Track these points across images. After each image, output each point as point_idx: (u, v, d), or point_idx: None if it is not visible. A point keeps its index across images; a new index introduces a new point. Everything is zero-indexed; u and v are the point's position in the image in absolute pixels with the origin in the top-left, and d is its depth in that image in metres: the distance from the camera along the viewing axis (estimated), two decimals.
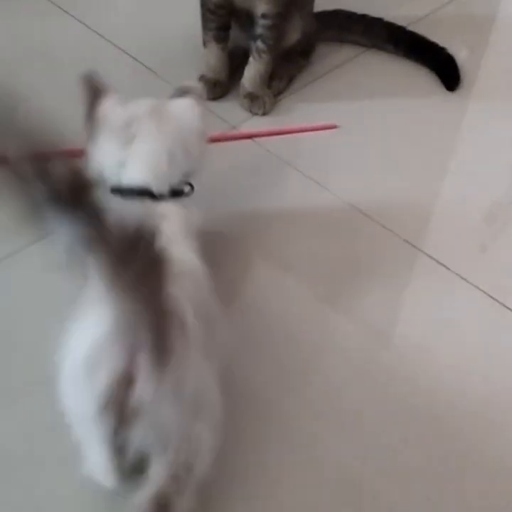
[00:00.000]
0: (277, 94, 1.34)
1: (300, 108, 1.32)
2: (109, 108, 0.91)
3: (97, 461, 0.78)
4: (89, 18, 1.44)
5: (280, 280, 1.06)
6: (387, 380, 0.97)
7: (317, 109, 1.32)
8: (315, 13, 1.37)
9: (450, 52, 1.40)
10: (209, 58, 1.31)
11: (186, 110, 0.95)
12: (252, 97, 1.31)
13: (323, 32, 1.40)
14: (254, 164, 1.22)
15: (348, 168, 1.23)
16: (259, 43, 1.27)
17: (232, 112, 1.30)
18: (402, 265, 1.11)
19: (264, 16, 1.24)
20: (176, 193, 0.90)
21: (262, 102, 1.30)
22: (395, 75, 1.40)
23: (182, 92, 0.97)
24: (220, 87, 1.32)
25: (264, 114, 1.31)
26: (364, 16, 1.43)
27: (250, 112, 1.31)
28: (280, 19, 1.25)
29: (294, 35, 1.32)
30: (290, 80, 1.36)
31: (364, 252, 1.12)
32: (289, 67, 1.36)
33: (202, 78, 1.31)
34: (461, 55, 1.40)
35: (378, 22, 1.42)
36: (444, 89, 1.38)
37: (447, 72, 1.39)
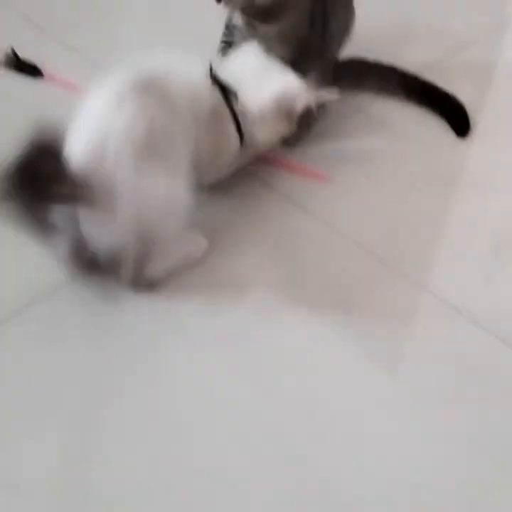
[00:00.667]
0: (296, 142, 1.33)
1: (307, 151, 1.34)
2: None
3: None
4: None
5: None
6: None
7: (325, 152, 1.34)
8: None
9: (459, 100, 1.42)
10: None
11: None
12: None
13: (340, 82, 1.39)
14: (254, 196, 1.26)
15: (350, 203, 1.27)
16: None
17: None
18: (403, 301, 1.14)
19: (281, 58, 1.24)
20: None
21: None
22: (406, 121, 1.43)
23: None
24: None
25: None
26: (377, 65, 1.45)
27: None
28: (298, 66, 1.24)
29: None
30: (308, 129, 1.35)
31: (362, 286, 1.15)
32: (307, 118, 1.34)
33: None
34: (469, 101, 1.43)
35: (392, 70, 1.45)
36: (454, 135, 1.41)
37: (457, 119, 1.42)
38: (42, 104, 1.35)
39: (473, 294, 1.14)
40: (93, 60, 1.46)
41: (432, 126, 1.42)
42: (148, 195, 1.01)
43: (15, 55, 1.43)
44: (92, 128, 0.99)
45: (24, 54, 1.44)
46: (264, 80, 1.15)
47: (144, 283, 1.08)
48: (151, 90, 1.02)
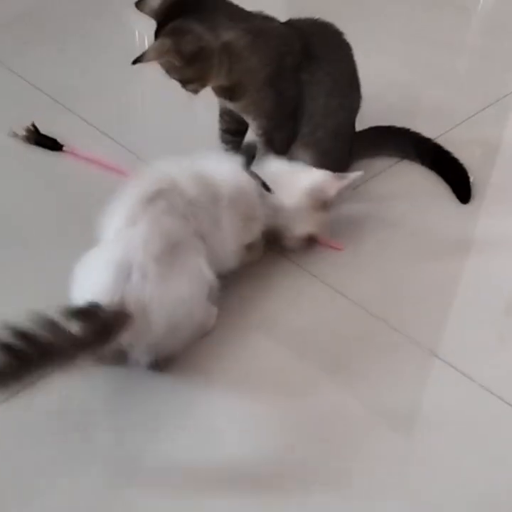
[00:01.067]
0: None
1: None
2: None
3: None
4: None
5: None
6: None
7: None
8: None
9: (463, 167, 1.47)
10: None
11: None
12: None
13: (358, 153, 1.47)
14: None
15: (359, 267, 1.30)
16: (263, 156, 1.34)
17: None
18: (415, 368, 1.15)
19: (254, 130, 1.34)
20: None
21: None
22: (416, 186, 1.48)
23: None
24: None
25: None
26: (395, 130, 1.50)
27: None
28: (272, 139, 1.32)
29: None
30: None
31: (372, 351, 1.16)
32: None
33: None
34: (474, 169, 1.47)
35: (408, 135, 1.50)
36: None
37: (459, 185, 1.46)
38: (62, 175, 1.43)
39: (486, 358, 1.15)
40: (110, 133, 1.52)
41: (443, 191, 1.46)
42: (176, 297, 1.04)
43: (35, 129, 1.49)
44: (109, 260, 1.04)
45: (44, 128, 1.50)
46: (294, 179, 1.25)
47: (160, 363, 1.09)
48: (160, 199, 1.07)
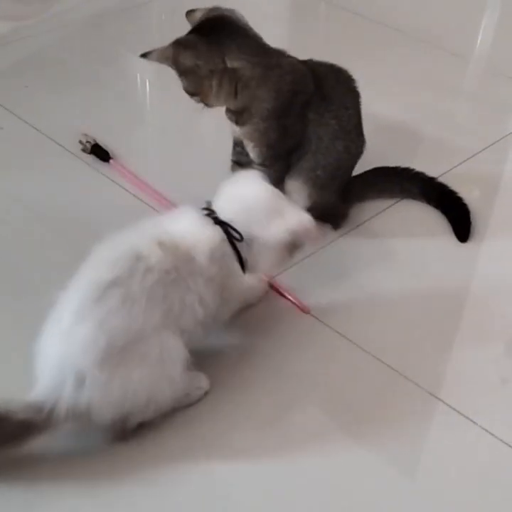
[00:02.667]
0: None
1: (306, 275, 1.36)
2: None
3: None
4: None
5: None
6: None
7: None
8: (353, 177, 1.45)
9: (466, 205, 1.48)
10: None
11: None
12: None
13: (365, 193, 1.50)
14: None
15: (357, 306, 1.29)
16: None
17: None
18: (416, 411, 1.13)
19: (253, 157, 1.36)
20: None
21: None
22: (421, 223, 1.49)
23: None
24: None
25: None
26: (399, 172, 1.52)
27: None
28: (268, 167, 1.34)
29: (300, 202, 1.36)
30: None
31: (376, 396, 1.15)
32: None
33: None
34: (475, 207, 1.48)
35: (412, 176, 1.51)
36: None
37: (460, 224, 1.47)
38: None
39: (488, 401, 1.15)
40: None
41: (442, 230, 1.46)
42: (127, 390, 1.00)
43: (92, 140, 1.58)
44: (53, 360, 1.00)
45: (103, 140, 1.59)
46: (278, 213, 1.15)
47: (128, 432, 1.05)
48: (114, 289, 1.00)
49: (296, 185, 1.37)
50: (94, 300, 0.99)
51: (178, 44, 1.25)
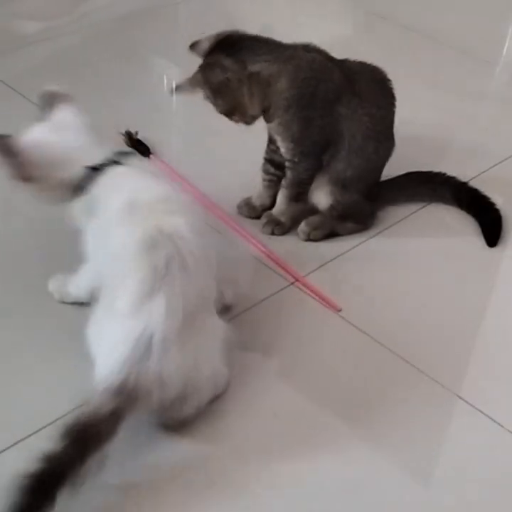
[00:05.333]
0: (307, 239, 1.41)
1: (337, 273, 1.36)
2: None
3: None
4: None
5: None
6: None
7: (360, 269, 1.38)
8: (384, 181, 1.46)
9: (499, 211, 1.48)
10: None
11: None
12: (270, 219, 1.43)
13: (397, 197, 1.51)
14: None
15: (384, 307, 1.29)
16: (285, 179, 1.39)
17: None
18: (437, 410, 1.14)
19: (283, 153, 1.37)
20: None
21: (275, 224, 1.42)
22: (449, 226, 1.50)
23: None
24: (253, 210, 1.46)
25: (272, 234, 1.42)
26: (431, 177, 1.52)
27: (262, 231, 1.43)
28: (297, 164, 1.36)
29: (322, 199, 1.39)
30: (329, 234, 1.42)
31: (397, 394, 1.15)
32: (332, 222, 1.42)
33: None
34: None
35: (445, 180, 1.51)
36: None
37: (490, 229, 1.47)
38: None
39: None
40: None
41: (471, 233, 1.46)
42: (196, 363, 1.02)
43: (132, 134, 1.61)
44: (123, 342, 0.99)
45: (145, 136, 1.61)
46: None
47: (175, 423, 1.07)
48: (172, 263, 1.00)
49: (321, 182, 1.38)
50: (159, 275, 0.99)
51: (204, 67, 1.30)
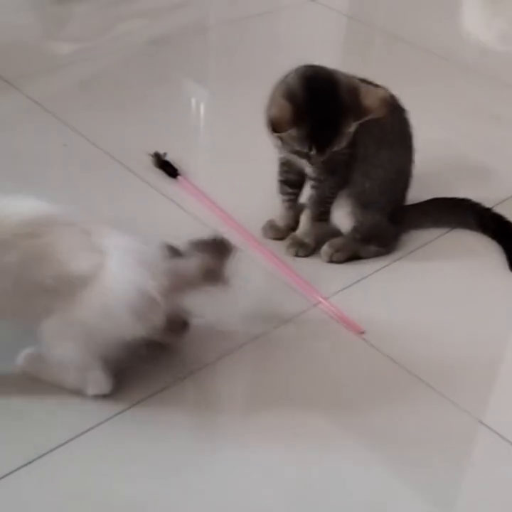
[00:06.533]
0: (329, 261, 1.43)
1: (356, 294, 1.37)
2: None
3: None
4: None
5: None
6: None
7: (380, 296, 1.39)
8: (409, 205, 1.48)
9: None
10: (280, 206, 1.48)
11: None
12: (294, 241, 1.44)
13: (421, 222, 1.52)
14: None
15: (407, 331, 1.30)
16: (309, 198, 1.40)
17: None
18: (461, 437, 1.14)
19: (308, 173, 1.39)
20: None
21: (299, 246, 1.43)
22: (470, 252, 1.50)
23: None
24: (278, 232, 1.48)
25: (296, 255, 1.43)
26: (456, 203, 1.53)
27: (287, 253, 1.44)
28: (322, 182, 1.37)
29: (345, 221, 1.41)
30: (352, 257, 1.43)
31: (417, 417, 1.15)
32: (355, 245, 1.43)
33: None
34: None
35: (469, 206, 1.53)
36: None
37: None
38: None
39: None
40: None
41: (494, 260, 1.47)
42: None
43: (161, 155, 1.64)
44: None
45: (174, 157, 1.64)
46: None
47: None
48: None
49: (342, 202, 1.40)
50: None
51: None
